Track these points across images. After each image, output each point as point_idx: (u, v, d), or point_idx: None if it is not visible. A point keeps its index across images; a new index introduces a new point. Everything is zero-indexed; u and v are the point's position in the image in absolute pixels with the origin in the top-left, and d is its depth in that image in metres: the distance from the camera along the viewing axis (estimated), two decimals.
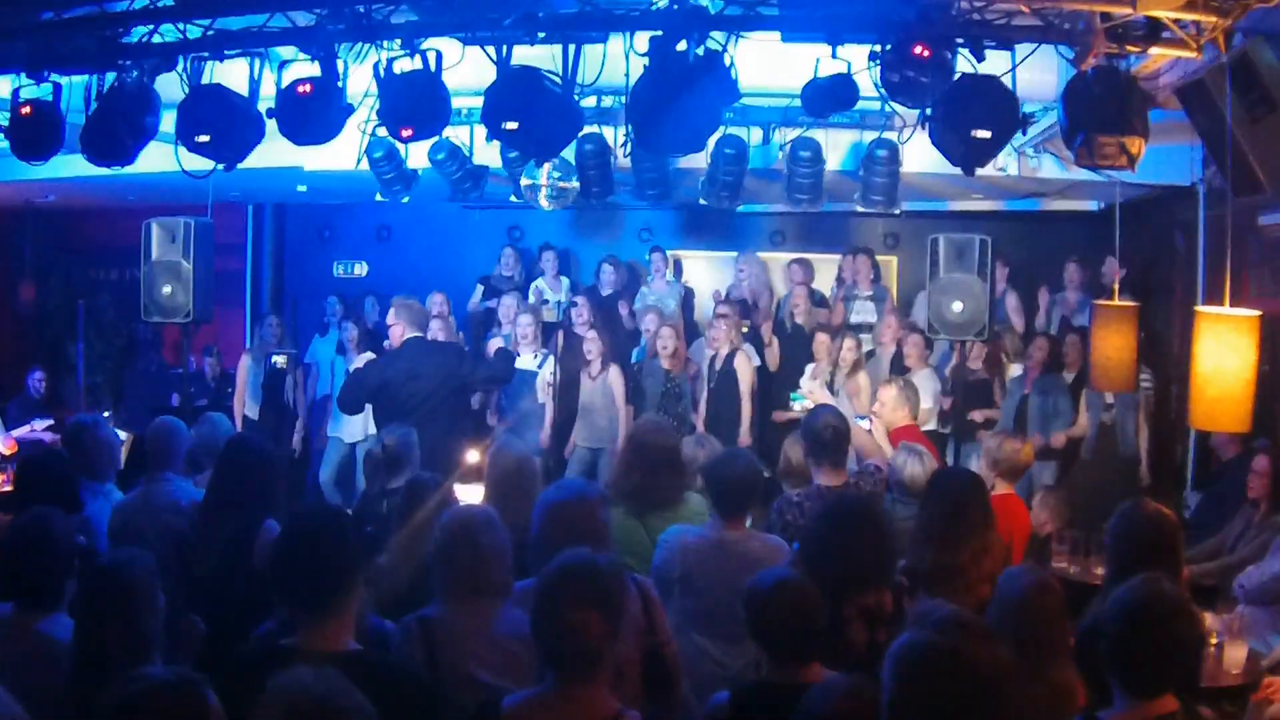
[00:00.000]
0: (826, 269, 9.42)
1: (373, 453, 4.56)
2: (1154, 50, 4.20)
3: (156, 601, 2.78)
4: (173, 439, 4.39)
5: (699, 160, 6.52)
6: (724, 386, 7.59)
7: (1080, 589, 4.48)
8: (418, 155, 6.67)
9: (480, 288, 9.20)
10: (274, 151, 5.25)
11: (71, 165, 5.38)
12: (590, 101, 5.63)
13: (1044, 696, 2.66)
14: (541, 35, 4.52)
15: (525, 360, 7.65)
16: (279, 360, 7.18)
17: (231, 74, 4.96)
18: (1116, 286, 6.38)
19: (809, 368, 7.61)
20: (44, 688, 2.64)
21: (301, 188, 8.58)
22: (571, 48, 4.57)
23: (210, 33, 4.75)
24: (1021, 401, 7.12)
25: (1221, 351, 3.89)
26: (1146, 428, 6.97)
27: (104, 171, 5.13)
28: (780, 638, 2.71)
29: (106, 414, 8.59)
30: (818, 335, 7.62)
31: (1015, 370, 7.51)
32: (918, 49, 4.24)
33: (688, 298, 9.30)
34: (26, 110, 5.04)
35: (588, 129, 5.83)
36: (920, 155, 5.69)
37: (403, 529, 3.72)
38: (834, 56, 4.47)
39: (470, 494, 4.60)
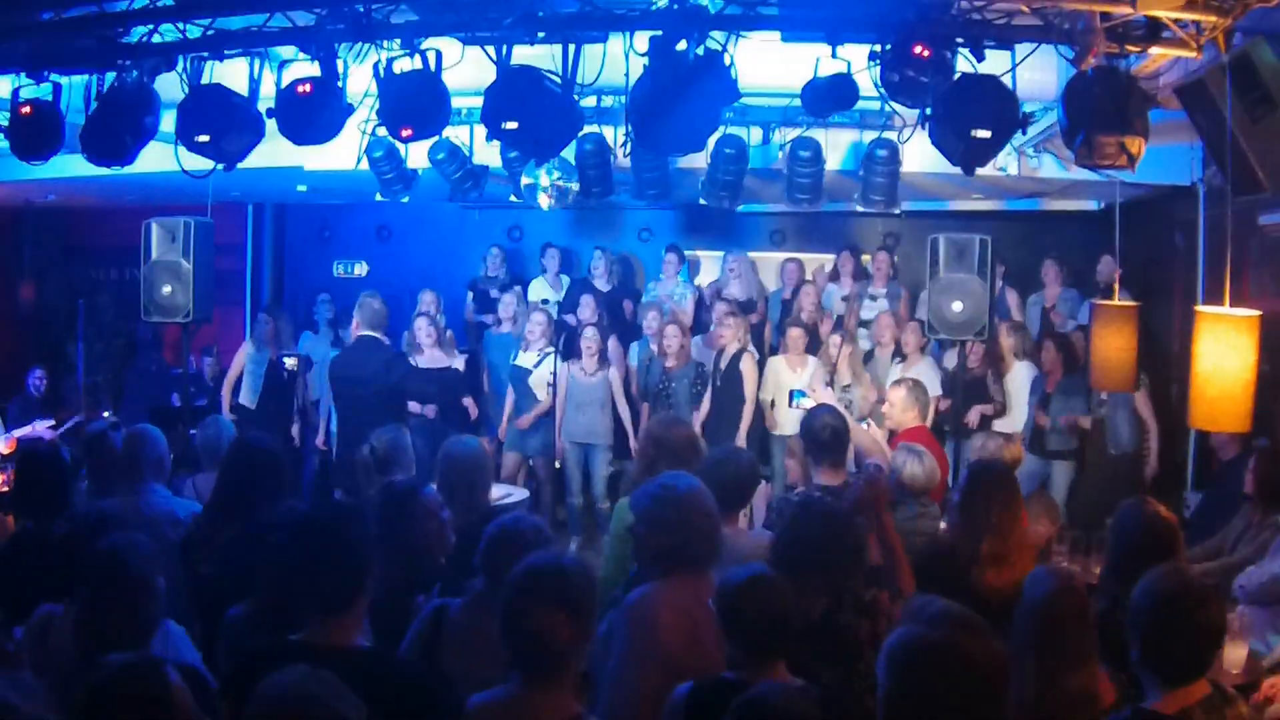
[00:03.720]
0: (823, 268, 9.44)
1: (361, 456, 4.54)
2: (1154, 50, 4.19)
3: (156, 586, 2.80)
4: (153, 447, 4.33)
5: (699, 160, 6.52)
6: (728, 387, 7.58)
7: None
8: (418, 155, 6.67)
9: (471, 294, 9.21)
10: (274, 151, 5.24)
11: (71, 165, 5.38)
12: (590, 101, 5.63)
13: (1062, 704, 2.64)
14: (541, 35, 4.52)
15: (529, 358, 7.66)
16: (290, 362, 7.20)
17: (231, 74, 4.96)
18: (1116, 286, 6.39)
19: (777, 360, 7.60)
20: None
21: (301, 188, 8.58)
22: (571, 48, 4.57)
23: (210, 33, 4.75)
24: (1044, 400, 7.14)
25: (1221, 351, 3.89)
26: (1155, 424, 6.97)
27: (104, 171, 5.13)
28: (750, 634, 2.69)
29: (106, 414, 8.61)
30: (790, 330, 7.62)
31: (1020, 367, 7.50)
32: (918, 49, 4.24)
33: (701, 297, 9.30)
34: (26, 110, 5.04)
35: (588, 129, 5.83)
36: (920, 155, 5.69)
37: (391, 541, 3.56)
38: (834, 56, 4.47)
39: None
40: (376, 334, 6.23)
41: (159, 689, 2.02)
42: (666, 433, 4.29)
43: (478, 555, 3.06)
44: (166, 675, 2.04)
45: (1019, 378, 7.45)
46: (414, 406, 6.75)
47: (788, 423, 7.16)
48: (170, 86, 4.97)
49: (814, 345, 7.77)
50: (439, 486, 4.17)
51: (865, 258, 9.16)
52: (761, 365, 7.88)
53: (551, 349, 7.55)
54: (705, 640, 3.00)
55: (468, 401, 7.88)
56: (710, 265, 10.19)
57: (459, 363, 7.72)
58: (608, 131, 6.50)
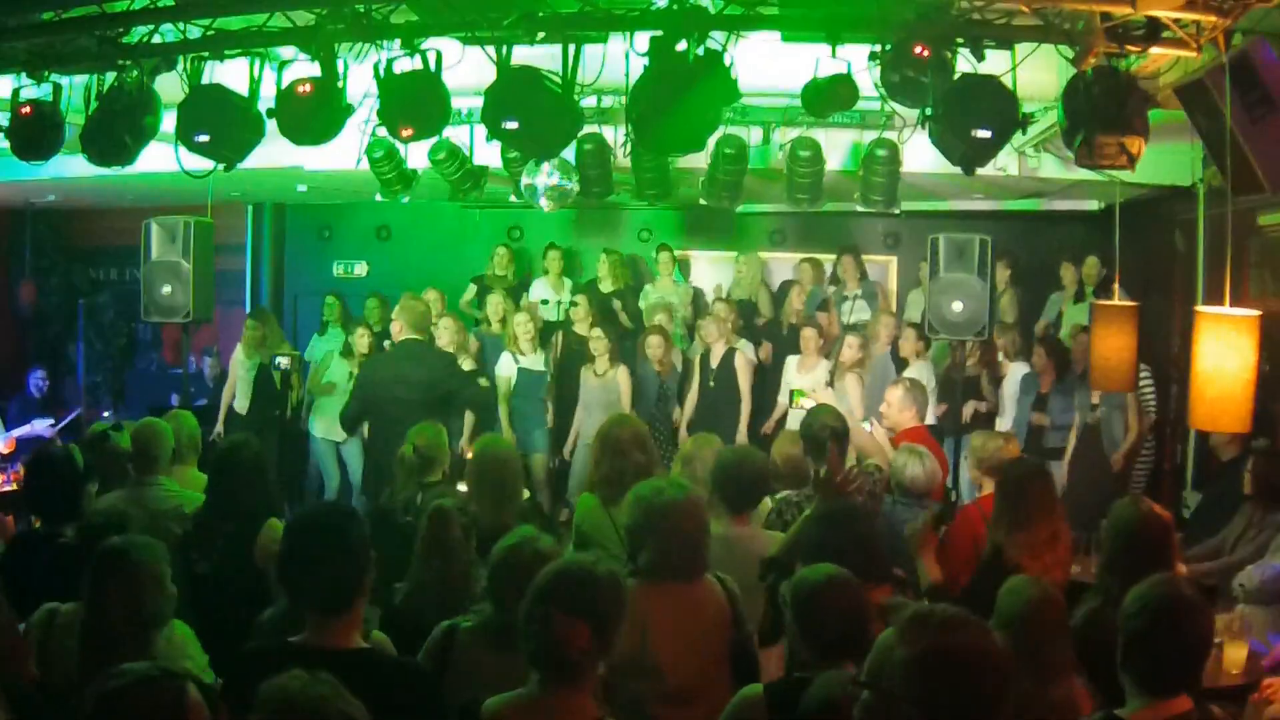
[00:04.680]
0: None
1: (404, 456, 4.58)
2: (1154, 50, 4.19)
3: (162, 583, 2.79)
4: (160, 441, 4.37)
5: (699, 160, 6.52)
6: (723, 384, 7.61)
7: (1082, 588, 4.48)
8: (418, 155, 6.67)
9: (473, 286, 9.19)
10: (274, 151, 5.24)
11: (71, 165, 5.38)
12: (590, 101, 5.62)
13: (1044, 715, 2.63)
14: (541, 35, 4.52)
15: (531, 359, 7.67)
16: (283, 361, 7.20)
17: (231, 74, 4.96)
18: (1116, 286, 6.39)
19: (792, 359, 7.62)
20: None
21: (301, 188, 8.58)
22: (571, 48, 4.57)
23: (210, 33, 4.75)
24: (1039, 402, 7.13)
25: (1221, 351, 3.89)
26: (1137, 428, 6.95)
27: (104, 171, 5.12)
28: (825, 635, 2.66)
29: (107, 414, 8.61)
30: (804, 330, 7.62)
31: (1015, 368, 7.50)
32: (918, 49, 4.24)
33: (696, 297, 9.32)
34: (26, 110, 5.03)
35: (588, 129, 5.82)
36: (920, 155, 5.69)
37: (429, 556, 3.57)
38: (834, 56, 4.47)
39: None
40: (421, 336, 6.22)
41: (175, 707, 1.96)
42: (612, 431, 4.31)
43: (487, 579, 3.02)
44: (184, 691, 1.98)
45: (1015, 378, 7.45)
46: None
47: (791, 423, 7.18)
48: (170, 86, 4.96)
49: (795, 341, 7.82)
50: (470, 486, 4.18)
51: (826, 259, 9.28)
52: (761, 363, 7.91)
53: (548, 350, 7.57)
54: (656, 649, 2.99)
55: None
56: (709, 265, 10.20)
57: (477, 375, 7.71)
58: (608, 131, 6.50)
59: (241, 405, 8.04)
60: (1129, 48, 4.14)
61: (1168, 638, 2.38)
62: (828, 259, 9.48)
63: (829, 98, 4.69)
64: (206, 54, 4.85)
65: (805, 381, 7.13)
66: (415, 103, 4.61)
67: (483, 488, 4.08)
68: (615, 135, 6.43)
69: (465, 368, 7.60)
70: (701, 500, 3.26)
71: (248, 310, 10.32)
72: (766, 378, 8.01)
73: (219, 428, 7.97)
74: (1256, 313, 3.96)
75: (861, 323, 8.26)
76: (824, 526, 3.22)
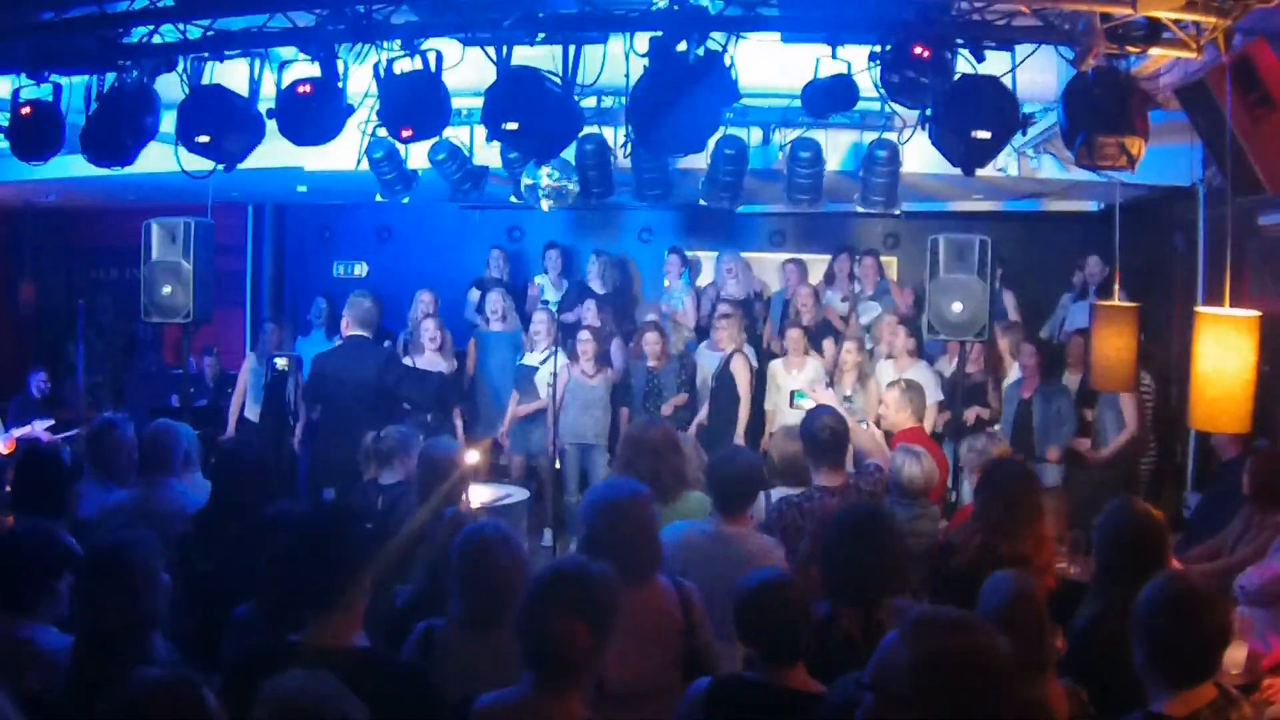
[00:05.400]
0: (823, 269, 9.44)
1: (367, 446, 4.58)
2: (1154, 50, 4.20)
3: (157, 582, 2.79)
4: (173, 442, 4.37)
5: (699, 160, 6.53)
6: (723, 387, 7.61)
7: (1082, 589, 4.48)
8: (418, 155, 6.67)
9: (476, 292, 9.20)
10: (274, 151, 5.24)
11: (71, 165, 5.38)
12: (590, 101, 5.63)
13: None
14: (541, 35, 4.52)
15: (534, 358, 7.68)
16: (280, 363, 7.22)
17: (231, 74, 4.96)
18: (1116, 286, 6.38)
19: (777, 363, 7.61)
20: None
21: (301, 188, 8.58)
22: (571, 48, 4.57)
23: (210, 33, 4.75)
24: (1021, 408, 7.09)
25: (1221, 351, 3.89)
26: (1134, 425, 6.91)
27: (104, 171, 5.12)
28: (763, 637, 2.72)
29: (107, 414, 8.59)
30: (789, 331, 7.62)
31: (1017, 368, 7.49)
32: (918, 49, 4.24)
33: (699, 299, 9.32)
34: (26, 110, 5.04)
35: (588, 129, 5.83)
36: (920, 155, 5.69)
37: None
38: (834, 56, 4.47)
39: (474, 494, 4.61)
40: (367, 333, 6.22)
41: (195, 711, 1.96)
42: (642, 434, 4.30)
43: (450, 576, 3.01)
44: (204, 695, 1.99)
45: (1014, 379, 7.43)
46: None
47: (788, 423, 7.16)
48: (170, 87, 4.97)
49: (814, 348, 7.78)
50: (416, 487, 4.20)
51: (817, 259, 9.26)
52: (763, 364, 7.89)
53: (554, 348, 7.57)
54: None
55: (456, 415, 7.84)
56: (711, 266, 10.20)
57: (445, 367, 7.69)
58: (608, 132, 6.51)
59: (253, 411, 8.01)
60: (1129, 48, 4.14)
61: (1190, 631, 2.44)
62: (818, 259, 9.47)
63: (829, 98, 4.70)
64: (206, 54, 4.86)
65: (796, 382, 7.12)
66: (415, 103, 4.61)
67: (420, 488, 4.12)
68: (615, 135, 6.44)
69: (446, 368, 7.64)
70: (646, 500, 3.18)
71: (248, 311, 10.34)
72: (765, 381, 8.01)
73: (230, 432, 7.96)
74: (1256, 313, 3.96)
75: (870, 323, 8.26)
76: (844, 533, 3.20)
